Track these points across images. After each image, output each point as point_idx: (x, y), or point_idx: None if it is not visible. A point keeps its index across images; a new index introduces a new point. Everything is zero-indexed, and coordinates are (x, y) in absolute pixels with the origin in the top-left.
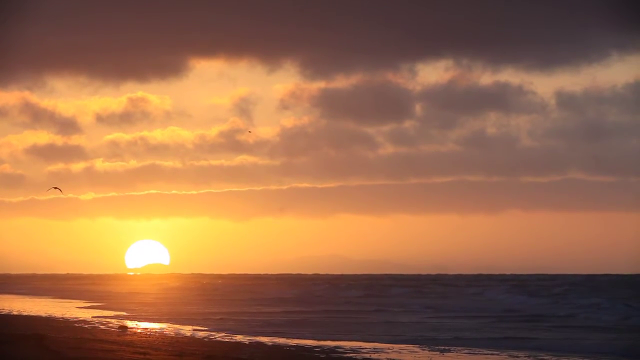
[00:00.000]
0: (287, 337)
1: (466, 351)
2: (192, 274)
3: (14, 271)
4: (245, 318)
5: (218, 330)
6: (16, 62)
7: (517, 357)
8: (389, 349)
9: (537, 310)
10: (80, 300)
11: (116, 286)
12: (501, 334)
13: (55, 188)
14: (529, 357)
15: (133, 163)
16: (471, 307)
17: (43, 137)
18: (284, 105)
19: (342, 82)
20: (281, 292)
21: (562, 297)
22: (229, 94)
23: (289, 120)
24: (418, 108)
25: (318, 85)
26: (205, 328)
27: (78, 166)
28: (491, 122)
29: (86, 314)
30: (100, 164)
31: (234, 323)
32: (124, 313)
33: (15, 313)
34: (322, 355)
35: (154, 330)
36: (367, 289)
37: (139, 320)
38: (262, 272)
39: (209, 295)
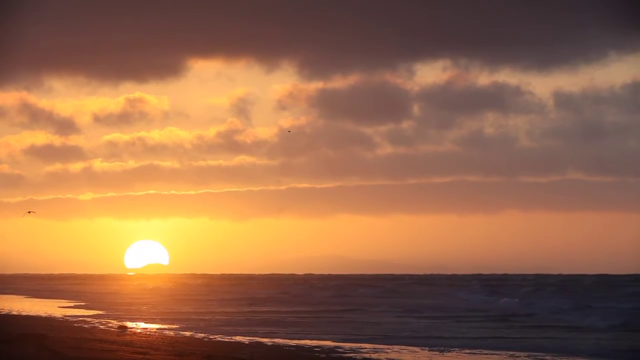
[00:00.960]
0: (227, 335)
1: (466, 351)
2: (191, 274)
3: (13, 271)
4: (208, 317)
5: (185, 330)
6: (14, 62)
7: (518, 357)
8: (388, 349)
9: (500, 311)
10: (64, 300)
11: (102, 286)
12: (452, 333)
13: (30, 212)
14: (528, 357)
15: (131, 163)
16: (436, 307)
17: (41, 137)
18: (281, 106)
19: (339, 83)
20: (258, 292)
21: (528, 297)
22: (227, 94)
23: (287, 121)
24: (416, 108)
25: (316, 85)
26: (176, 326)
27: (76, 166)
28: (489, 123)
29: (58, 312)
30: (98, 164)
31: (197, 322)
32: (102, 312)
33: (15, 313)
34: (322, 355)
35: (153, 330)
36: (340, 289)
37: (114, 318)
38: (260, 273)
39: (184, 296)
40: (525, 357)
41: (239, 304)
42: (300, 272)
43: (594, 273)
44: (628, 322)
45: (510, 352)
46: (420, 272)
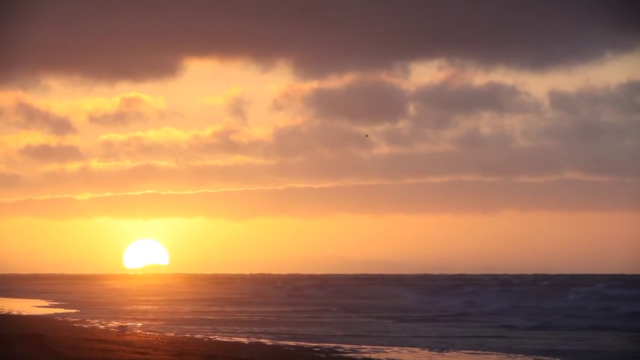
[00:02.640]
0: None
1: (465, 351)
2: (188, 274)
3: (11, 271)
4: (143, 316)
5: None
6: (10, 61)
7: (515, 357)
8: (388, 349)
9: (435, 312)
10: (43, 300)
11: (81, 286)
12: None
13: None
14: (529, 357)
15: (128, 163)
16: (380, 307)
17: (37, 137)
18: (277, 106)
19: (335, 82)
20: (218, 291)
21: (468, 298)
22: (222, 93)
23: (282, 121)
24: (412, 108)
25: (311, 85)
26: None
27: (73, 166)
28: (485, 122)
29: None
30: (95, 164)
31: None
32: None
33: (14, 313)
34: (322, 355)
35: (153, 330)
36: (295, 290)
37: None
38: (260, 272)
39: (137, 296)
40: (524, 357)
41: (188, 303)
42: (300, 272)
43: (592, 273)
44: (545, 321)
45: (509, 353)
46: (418, 272)
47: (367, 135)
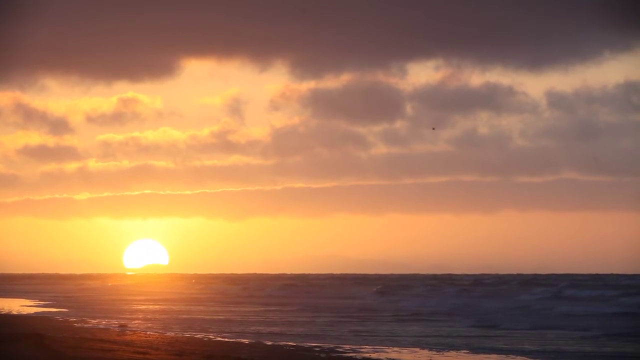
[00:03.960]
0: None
1: (465, 351)
2: (190, 274)
3: (10, 271)
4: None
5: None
6: (8, 61)
7: (515, 358)
8: (388, 349)
9: (391, 311)
10: (30, 300)
11: (57, 286)
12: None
13: None
14: (531, 358)
15: (126, 163)
16: (334, 307)
17: (35, 137)
18: (274, 106)
19: (332, 82)
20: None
21: (426, 297)
22: (220, 93)
23: (280, 121)
24: (409, 108)
25: (308, 85)
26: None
27: (71, 166)
28: (483, 122)
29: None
30: (93, 164)
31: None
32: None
33: (14, 312)
34: (322, 355)
35: (153, 330)
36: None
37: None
38: (260, 272)
39: (103, 294)
40: (526, 358)
41: (152, 302)
42: (299, 272)
43: (590, 273)
44: (480, 321)
45: (508, 354)
46: (418, 272)
47: (434, 128)
